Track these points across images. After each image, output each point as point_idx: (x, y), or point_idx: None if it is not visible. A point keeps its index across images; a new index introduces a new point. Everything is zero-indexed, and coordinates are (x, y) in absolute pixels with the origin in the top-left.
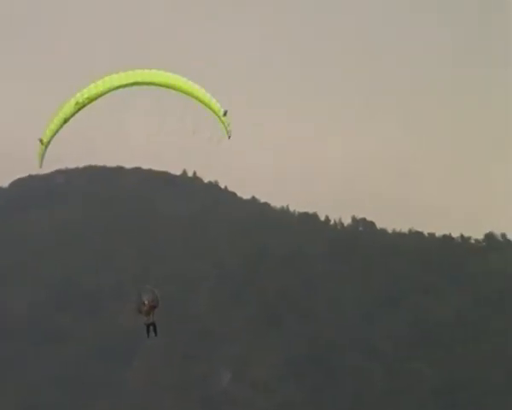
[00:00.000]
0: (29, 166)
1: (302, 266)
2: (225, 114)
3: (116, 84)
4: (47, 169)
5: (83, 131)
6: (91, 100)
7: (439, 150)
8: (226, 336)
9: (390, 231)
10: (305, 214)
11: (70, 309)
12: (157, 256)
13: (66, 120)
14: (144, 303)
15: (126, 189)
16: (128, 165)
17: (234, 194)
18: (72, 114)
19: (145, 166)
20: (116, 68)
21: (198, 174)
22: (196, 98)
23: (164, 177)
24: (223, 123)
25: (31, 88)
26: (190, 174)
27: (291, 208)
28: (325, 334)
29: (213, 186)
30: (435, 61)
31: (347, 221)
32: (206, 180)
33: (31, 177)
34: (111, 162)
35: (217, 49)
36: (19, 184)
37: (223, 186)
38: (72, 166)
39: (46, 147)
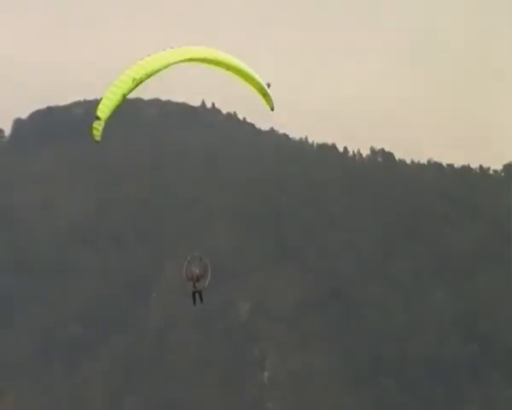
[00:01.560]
0: (47, 98)
1: (320, 197)
2: (269, 86)
3: (171, 60)
4: (65, 101)
5: (100, 62)
6: (148, 76)
7: (458, 82)
8: (244, 269)
9: (409, 162)
10: (324, 145)
11: (90, 244)
12: (174, 189)
13: (124, 96)
14: (193, 272)
15: (145, 120)
16: (146, 96)
17: (252, 125)
18: (130, 91)
19: (164, 98)
20: (163, 46)
21: (217, 106)
22: (241, 74)
23: (182, 108)
24: (264, 96)
25: (52, 20)
26: (209, 106)
27: (309, 139)
28: (344, 266)
29: (232, 117)
30: None
31: (366, 152)
32: (224, 111)
33: (49, 108)
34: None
35: None
36: (37, 115)
37: (241, 117)
38: (90, 97)
39: (104, 122)
